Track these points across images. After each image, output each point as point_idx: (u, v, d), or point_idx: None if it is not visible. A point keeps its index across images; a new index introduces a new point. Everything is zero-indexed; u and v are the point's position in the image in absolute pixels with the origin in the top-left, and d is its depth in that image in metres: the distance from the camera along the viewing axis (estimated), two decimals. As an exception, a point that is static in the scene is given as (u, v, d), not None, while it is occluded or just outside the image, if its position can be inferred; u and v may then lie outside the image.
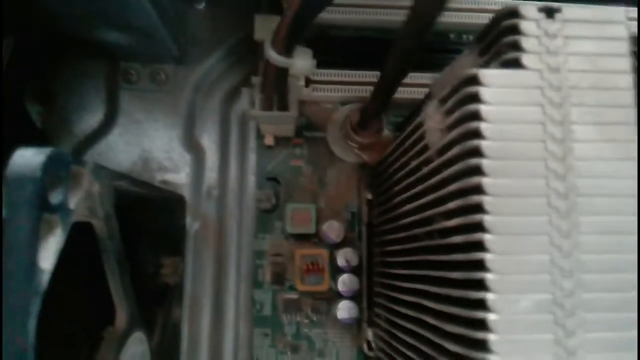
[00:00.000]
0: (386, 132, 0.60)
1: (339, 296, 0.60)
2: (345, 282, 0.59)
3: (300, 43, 0.47)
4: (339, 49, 0.61)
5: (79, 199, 0.33)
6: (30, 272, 0.28)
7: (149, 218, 0.53)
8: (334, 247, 0.61)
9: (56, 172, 0.30)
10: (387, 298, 0.52)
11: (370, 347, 0.59)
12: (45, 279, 0.29)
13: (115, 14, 0.53)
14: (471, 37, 0.63)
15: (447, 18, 0.60)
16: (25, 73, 0.61)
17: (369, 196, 0.61)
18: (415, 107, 0.48)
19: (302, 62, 0.49)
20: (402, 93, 0.59)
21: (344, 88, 0.61)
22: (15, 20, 0.55)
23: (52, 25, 0.58)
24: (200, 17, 0.65)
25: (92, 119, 0.63)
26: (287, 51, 0.45)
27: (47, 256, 0.30)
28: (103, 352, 0.40)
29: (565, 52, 0.31)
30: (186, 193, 0.62)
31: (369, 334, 0.59)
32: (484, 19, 0.60)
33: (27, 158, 0.29)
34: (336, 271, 0.60)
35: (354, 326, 0.61)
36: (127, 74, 0.64)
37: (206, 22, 0.65)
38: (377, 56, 0.60)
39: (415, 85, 0.60)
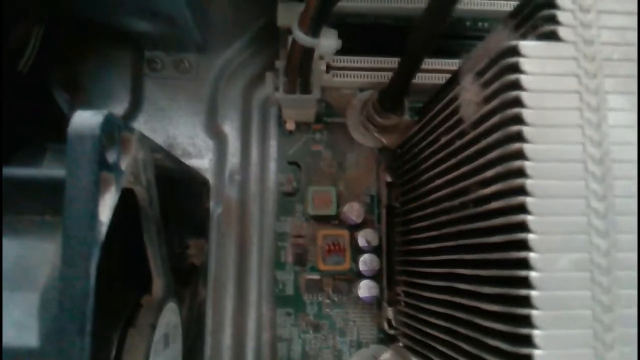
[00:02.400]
0: (405, 117, 0.61)
1: (360, 276, 0.62)
2: (366, 261, 0.61)
3: (326, 24, 0.49)
4: (358, 36, 0.63)
5: (128, 164, 0.35)
6: (92, 221, 0.29)
7: (176, 198, 0.54)
8: (354, 228, 0.62)
9: (111, 133, 0.32)
10: (410, 274, 0.53)
11: (391, 326, 0.61)
12: (103, 231, 0.30)
13: (145, 0, 0.54)
14: (486, 24, 0.65)
15: (464, 6, 0.62)
16: (53, 62, 0.62)
17: (389, 179, 0.63)
18: (440, 89, 0.50)
19: (328, 41, 0.50)
20: (420, 79, 0.61)
21: (364, 74, 0.63)
22: (43, 9, 0.57)
23: (80, 14, 0.59)
24: (222, 5, 0.66)
25: (118, 106, 0.65)
26: (314, 32, 0.47)
27: (105, 211, 0.31)
28: (142, 317, 0.41)
29: (598, 25, 0.33)
30: (209, 178, 0.64)
31: (390, 312, 0.60)
32: (499, 6, 0.62)
33: (86, 118, 0.30)
34: (356, 252, 0.62)
35: (375, 306, 0.63)
36: (152, 62, 0.66)
37: (228, 10, 0.67)
38: (396, 43, 0.62)
39: (433, 71, 0.61)
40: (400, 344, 0.58)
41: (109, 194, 0.32)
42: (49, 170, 0.36)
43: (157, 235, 0.43)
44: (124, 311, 0.41)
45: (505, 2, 0.62)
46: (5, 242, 0.34)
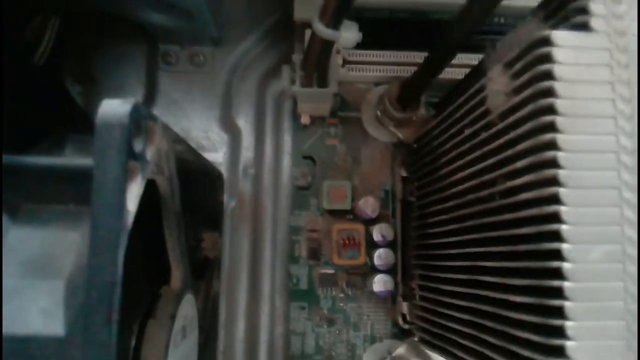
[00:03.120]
0: (421, 111, 0.61)
1: (374, 271, 0.62)
2: (381, 256, 0.61)
3: (347, 17, 0.49)
4: (374, 30, 0.63)
5: (152, 154, 0.35)
6: (119, 210, 0.30)
7: (192, 191, 0.54)
8: (369, 222, 0.62)
9: (138, 122, 0.32)
10: (428, 268, 0.53)
11: (405, 320, 0.60)
12: (130, 219, 0.30)
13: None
14: (502, 20, 0.64)
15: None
16: (68, 54, 0.62)
17: (404, 173, 0.62)
18: (461, 82, 0.50)
19: (349, 34, 0.50)
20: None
21: (379, 68, 0.63)
22: (59, 1, 0.57)
23: (96, 7, 0.59)
24: (238, -1, 0.66)
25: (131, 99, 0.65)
26: (335, 24, 0.47)
27: (132, 200, 0.31)
28: (161, 308, 0.41)
29: (630, 16, 0.32)
30: (223, 172, 0.64)
31: (404, 307, 0.60)
32: (516, 1, 0.62)
33: (115, 106, 0.30)
34: (371, 246, 0.62)
35: (389, 300, 0.62)
36: (166, 55, 0.66)
37: (244, 3, 0.66)
38: (412, 37, 0.62)
39: (449, 65, 0.61)
40: (416, 339, 0.58)
41: (135, 183, 0.32)
42: (73, 159, 0.35)
43: (177, 227, 0.42)
44: (144, 301, 0.40)
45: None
46: (29, 231, 0.34)
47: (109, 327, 0.29)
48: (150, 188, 0.38)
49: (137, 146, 0.32)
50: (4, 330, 0.30)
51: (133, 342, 0.37)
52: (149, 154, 0.34)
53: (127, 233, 0.30)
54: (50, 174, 0.35)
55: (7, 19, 0.49)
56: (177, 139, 0.42)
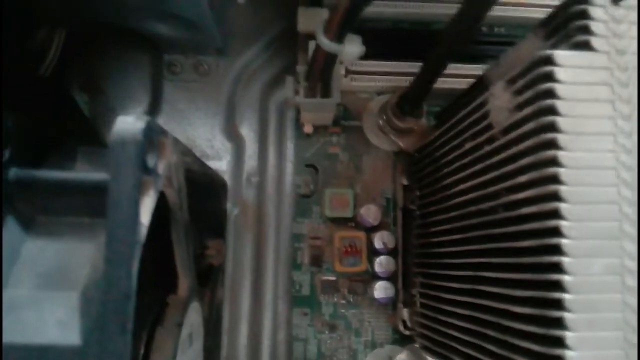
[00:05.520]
0: (423, 121, 0.62)
1: (375, 278, 0.63)
2: (382, 263, 0.62)
3: (350, 30, 0.50)
4: (375, 41, 0.63)
5: (163, 167, 0.36)
6: (134, 223, 0.31)
7: (197, 199, 0.55)
8: (371, 230, 0.63)
9: (151, 138, 0.32)
10: (428, 276, 0.54)
11: (406, 326, 0.61)
12: (144, 232, 0.31)
13: (167, 3, 0.55)
14: (503, 30, 0.65)
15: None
16: (73, 64, 0.63)
17: (405, 182, 0.63)
18: (462, 94, 0.51)
19: (352, 48, 0.51)
20: (437, 83, 0.61)
21: (381, 78, 0.64)
22: (65, 13, 0.57)
23: (101, 18, 0.59)
24: (241, 9, 0.67)
25: (137, 108, 0.66)
26: (339, 38, 0.48)
27: (145, 213, 0.32)
28: (169, 316, 0.42)
29: (630, 35, 0.33)
30: (227, 180, 0.64)
31: (405, 313, 0.61)
32: (516, 12, 0.63)
33: (129, 124, 0.31)
34: (372, 254, 0.63)
35: (390, 306, 0.63)
36: (171, 65, 0.67)
37: (247, 14, 0.67)
38: (413, 48, 0.63)
39: (449, 75, 0.62)
40: (417, 345, 0.59)
41: (148, 197, 0.33)
42: (87, 173, 0.36)
43: (185, 237, 0.43)
44: (152, 310, 0.41)
45: (522, 8, 0.63)
46: (44, 243, 0.35)
47: (124, 337, 0.29)
48: (160, 200, 0.39)
49: (150, 161, 0.33)
50: (21, 341, 0.31)
51: (142, 351, 0.38)
52: (161, 168, 0.35)
53: (141, 246, 0.31)
54: (64, 187, 0.36)
55: (14, 30, 0.49)
56: (186, 151, 0.43)
